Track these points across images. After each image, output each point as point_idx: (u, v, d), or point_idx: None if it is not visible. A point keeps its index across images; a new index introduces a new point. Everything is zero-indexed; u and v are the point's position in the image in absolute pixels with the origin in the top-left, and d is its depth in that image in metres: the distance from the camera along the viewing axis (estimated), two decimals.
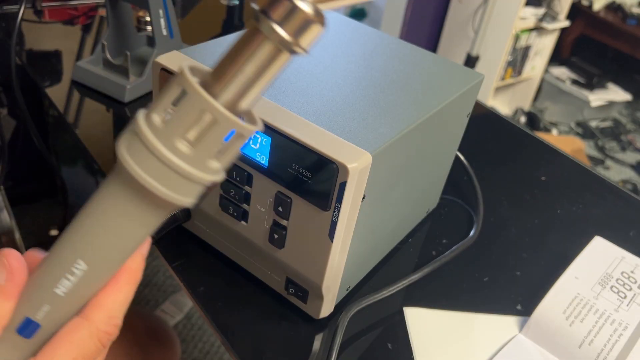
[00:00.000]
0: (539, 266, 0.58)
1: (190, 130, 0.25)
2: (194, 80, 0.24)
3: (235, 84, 0.25)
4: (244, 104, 0.26)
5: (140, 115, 0.26)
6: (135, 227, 0.27)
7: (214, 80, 0.25)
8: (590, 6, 2.93)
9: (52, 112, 1.07)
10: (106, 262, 0.28)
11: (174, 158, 0.25)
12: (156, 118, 0.25)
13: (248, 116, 0.27)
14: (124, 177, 0.26)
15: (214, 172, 0.26)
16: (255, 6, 0.24)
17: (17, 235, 1.01)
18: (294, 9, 0.23)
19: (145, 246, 0.29)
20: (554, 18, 2.49)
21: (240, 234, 0.46)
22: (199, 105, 0.24)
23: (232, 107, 0.25)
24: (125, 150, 0.26)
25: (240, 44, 0.25)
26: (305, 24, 0.24)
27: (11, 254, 0.28)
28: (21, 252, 0.45)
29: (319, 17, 0.24)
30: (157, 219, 0.27)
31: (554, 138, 2.50)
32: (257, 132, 0.40)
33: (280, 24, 0.23)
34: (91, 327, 0.28)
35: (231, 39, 0.49)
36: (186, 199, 0.26)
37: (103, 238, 0.27)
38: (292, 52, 0.24)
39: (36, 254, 0.30)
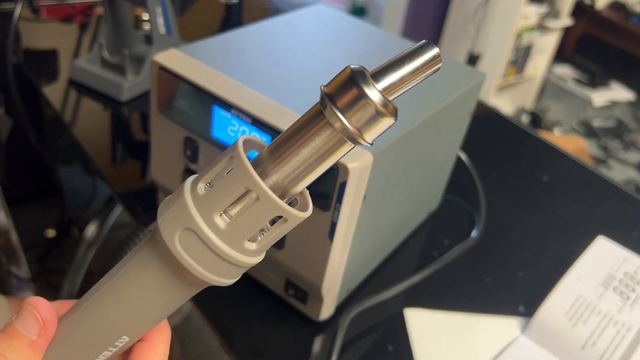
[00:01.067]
0: (541, 267, 0.57)
1: (231, 207, 0.24)
2: (243, 154, 0.23)
3: (289, 167, 0.23)
4: (296, 189, 0.24)
5: (188, 183, 0.25)
6: (171, 301, 0.27)
7: (268, 158, 0.24)
8: (593, 4, 2.93)
9: (49, 112, 1.07)
10: (146, 330, 0.28)
11: (209, 232, 0.24)
12: (201, 187, 0.24)
13: (301, 200, 0.26)
14: (158, 246, 0.25)
15: (250, 253, 0.25)
16: (322, 89, 0.23)
17: (14, 236, 1.01)
18: (362, 99, 0.21)
19: None
20: (556, 16, 2.48)
21: None
22: (243, 181, 0.23)
23: (283, 189, 0.24)
24: (163, 217, 0.24)
25: (302, 125, 0.23)
26: (373, 117, 0.22)
27: (41, 304, 0.27)
28: (17, 252, 0.44)
29: (389, 110, 0.22)
30: (195, 290, 0.27)
31: (556, 137, 2.50)
32: (257, 131, 0.40)
33: (346, 114, 0.22)
34: None
35: (229, 39, 0.49)
36: (219, 278, 0.25)
37: (144, 314, 0.27)
38: (356, 143, 0.23)
39: (65, 304, 0.30)
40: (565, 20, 2.52)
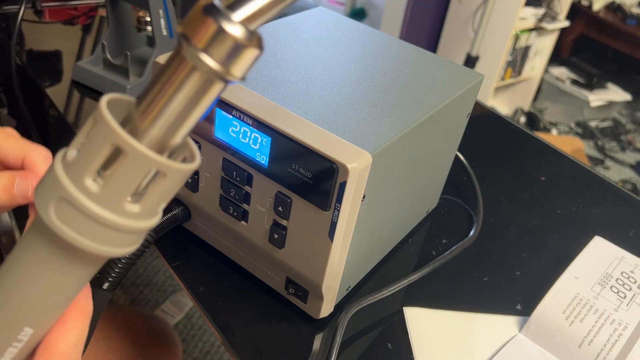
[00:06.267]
0: (539, 266, 0.58)
1: (99, 168, 0.21)
2: (105, 110, 0.21)
3: (161, 120, 0.22)
4: (175, 141, 0.23)
5: (61, 151, 0.23)
6: (71, 282, 0.24)
7: (138, 113, 0.22)
8: (590, 6, 2.93)
9: (53, 113, 1.07)
10: (52, 317, 0.25)
11: (81, 196, 0.21)
12: (71, 153, 0.22)
13: (189, 155, 0.24)
14: (40, 225, 0.23)
15: (136, 216, 0.22)
16: (178, 29, 0.21)
17: (18, 236, 1.01)
18: (221, 33, 0.20)
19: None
20: (553, 18, 2.49)
21: (240, 234, 0.46)
22: (106, 136, 0.21)
23: (161, 144, 0.22)
24: (36, 191, 0.23)
25: (165, 73, 0.21)
26: (236, 49, 0.20)
27: None
28: None
29: (253, 40, 0.21)
30: (94, 266, 0.25)
31: (553, 138, 2.51)
32: (258, 132, 0.40)
33: (207, 51, 0.20)
34: None
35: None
36: (110, 249, 0.23)
37: (43, 300, 0.24)
38: (225, 80, 0.21)
39: None
40: (562, 22, 2.53)
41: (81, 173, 0.21)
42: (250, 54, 0.21)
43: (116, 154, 0.21)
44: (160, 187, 0.22)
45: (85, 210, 0.21)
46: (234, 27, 0.20)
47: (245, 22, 0.20)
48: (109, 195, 0.22)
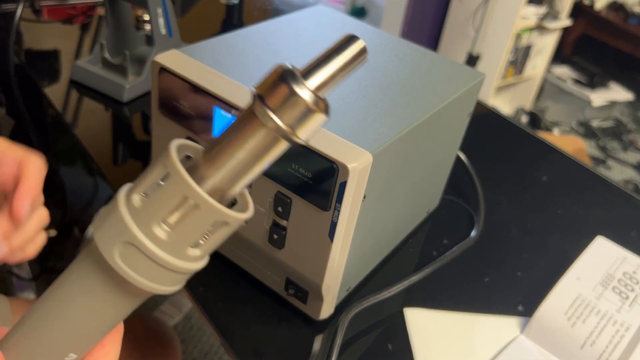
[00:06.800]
0: (540, 267, 0.57)
1: (169, 216, 0.23)
2: (177, 162, 0.22)
3: (225, 170, 0.23)
4: (235, 191, 0.24)
5: (121, 194, 0.24)
6: (117, 313, 0.26)
7: (204, 162, 0.23)
8: (591, 5, 2.93)
9: (51, 112, 1.07)
10: (95, 343, 0.27)
11: (149, 244, 0.23)
12: (136, 198, 0.23)
13: (240, 200, 0.26)
14: (96, 260, 0.24)
15: (194, 260, 0.24)
16: (253, 90, 0.22)
17: None
18: (292, 97, 0.21)
19: None
20: (555, 17, 2.49)
21: (240, 234, 0.46)
22: (180, 190, 0.22)
23: (221, 192, 0.24)
24: (99, 232, 0.24)
25: (235, 127, 0.23)
26: (304, 114, 0.22)
27: None
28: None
29: (321, 106, 0.22)
30: (141, 299, 0.26)
31: (555, 138, 2.50)
32: None
33: (277, 112, 0.22)
34: None
35: (229, 39, 0.49)
36: (164, 287, 0.24)
37: (90, 329, 0.26)
38: (290, 141, 0.23)
39: (2, 330, 0.28)
40: (564, 21, 2.53)
41: (150, 221, 0.23)
42: (317, 119, 0.22)
43: (183, 201, 0.23)
44: (221, 234, 0.24)
45: (153, 257, 0.23)
46: (306, 93, 0.22)
47: (316, 90, 0.22)
48: (176, 242, 0.23)
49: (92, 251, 0.24)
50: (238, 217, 0.24)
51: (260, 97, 0.22)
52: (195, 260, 0.24)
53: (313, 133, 0.23)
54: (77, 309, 0.25)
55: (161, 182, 0.23)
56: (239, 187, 0.24)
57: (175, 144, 0.23)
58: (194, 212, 0.22)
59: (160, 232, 0.23)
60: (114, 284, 0.24)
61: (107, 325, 0.26)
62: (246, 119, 0.22)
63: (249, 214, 0.25)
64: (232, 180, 0.23)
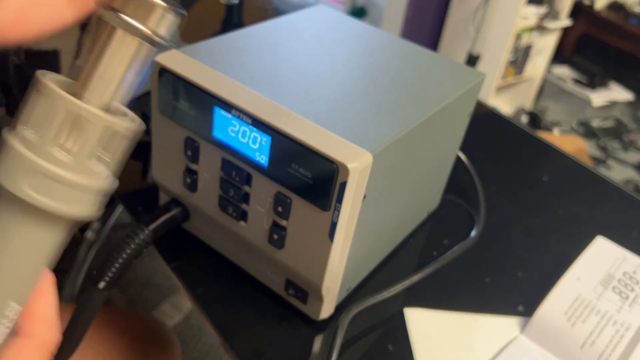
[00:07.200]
0: (541, 267, 0.57)
1: (60, 136, 0.24)
2: (49, 82, 0.24)
3: (96, 81, 0.25)
4: (114, 99, 0.26)
5: (7, 134, 0.25)
6: (43, 249, 0.26)
7: (76, 84, 0.25)
8: (592, 5, 2.93)
9: None
10: (30, 287, 0.27)
11: (50, 166, 0.24)
12: (21, 130, 0.24)
13: (125, 117, 0.27)
14: (7, 199, 0.25)
15: (100, 176, 0.26)
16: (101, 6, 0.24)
17: None
18: None
19: None
20: (555, 17, 2.49)
21: (240, 234, 0.46)
22: (59, 105, 0.24)
23: (99, 104, 0.25)
24: (1, 173, 0.24)
25: (90, 40, 0.25)
26: (148, 6, 0.24)
27: None
28: None
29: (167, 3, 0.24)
30: (64, 229, 0.26)
31: (555, 138, 2.50)
32: (257, 132, 0.40)
33: (124, 11, 0.24)
34: (36, 343, 0.26)
35: (229, 39, 0.49)
36: (79, 210, 0.25)
37: (20, 271, 0.26)
38: (142, 36, 0.24)
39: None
40: (564, 21, 2.53)
41: (44, 144, 0.24)
42: (158, 11, 0.24)
43: (67, 117, 0.24)
44: (119, 147, 0.26)
45: (57, 178, 0.24)
46: None
47: None
48: (75, 159, 0.24)
49: (1, 194, 0.25)
50: (123, 123, 0.25)
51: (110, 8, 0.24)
52: (103, 178, 0.26)
53: (164, 26, 0.25)
54: (4, 251, 0.25)
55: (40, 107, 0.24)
56: (119, 96, 0.26)
57: (40, 72, 0.25)
58: (81, 125, 0.24)
59: (57, 152, 0.24)
60: (29, 218, 0.25)
61: (37, 264, 0.27)
62: (98, 28, 0.25)
63: (137, 123, 0.27)
64: (105, 91, 0.25)
